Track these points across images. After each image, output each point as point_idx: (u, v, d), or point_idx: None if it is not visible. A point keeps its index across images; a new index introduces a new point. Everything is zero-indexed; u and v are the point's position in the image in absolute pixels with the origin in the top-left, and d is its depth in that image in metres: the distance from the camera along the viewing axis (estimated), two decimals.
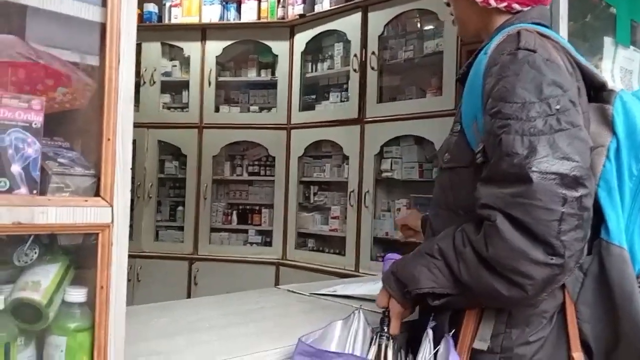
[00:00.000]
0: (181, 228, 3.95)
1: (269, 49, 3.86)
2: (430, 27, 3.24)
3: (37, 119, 0.83)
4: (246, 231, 3.95)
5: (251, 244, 3.92)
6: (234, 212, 3.99)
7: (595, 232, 0.96)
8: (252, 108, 3.97)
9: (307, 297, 1.59)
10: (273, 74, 3.93)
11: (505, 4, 1.09)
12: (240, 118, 3.92)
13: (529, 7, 1.09)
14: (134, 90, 0.90)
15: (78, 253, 0.92)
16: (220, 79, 3.98)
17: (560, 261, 0.85)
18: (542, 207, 0.85)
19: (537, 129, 0.88)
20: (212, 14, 3.88)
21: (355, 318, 1.06)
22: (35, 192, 0.82)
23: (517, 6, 1.09)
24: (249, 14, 3.87)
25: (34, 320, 0.83)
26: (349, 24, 3.44)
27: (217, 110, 3.94)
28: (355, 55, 3.39)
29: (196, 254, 3.87)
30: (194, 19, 3.90)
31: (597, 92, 1.06)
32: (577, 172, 0.87)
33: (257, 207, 3.98)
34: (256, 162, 3.98)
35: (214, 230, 3.95)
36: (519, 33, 0.98)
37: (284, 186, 3.82)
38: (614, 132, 0.98)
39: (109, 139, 0.86)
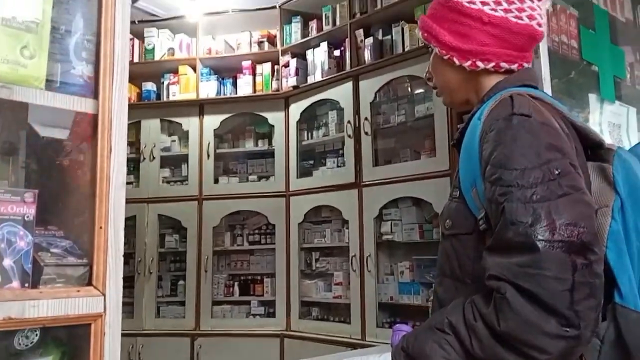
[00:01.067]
0: (182, 303, 3.88)
1: (265, 120, 3.96)
2: (420, 91, 3.34)
3: (30, 212, 0.84)
4: (249, 302, 3.88)
5: (254, 315, 3.84)
6: (236, 283, 3.94)
7: (608, 296, 0.92)
8: (250, 177, 4.02)
9: None
10: (270, 143, 4.01)
11: (493, 63, 1.07)
12: (239, 188, 3.95)
13: (515, 65, 1.07)
14: (125, 177, 0.91)
15: (70, 343, 0.90)
16: (219, 150, 4.05)
17: (576, 332, 0.82)
18: (552, 277, 0.82)
19: (540, 195, 0.87)
20: (208, 90, 4.01)
21: None
22: (27, 285, 0.82)
23: (505, 65, 1.07)
24: (244, 88, 3.99)
25: None
26: (341, 93, 3.54)
27: (216, 181, 3.98)
28: (348, 122, 3.47)
29: (198, 329, 3.78)
30: (191, 95, 4.02)
31: (594, 150, 1.04)
32: (585, 238, 0.84)
33: (259, 277, 3.93)
34: (256, 231, 3.97)
35: (215, 303, 3.88)
36: (511, 97, 0.97)
37: (285, 253, 3.79)
38: (616, 191, 0.96)
39: (101, 227, 0.87)
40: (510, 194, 0.88)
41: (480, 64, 1.07)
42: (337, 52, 3.67)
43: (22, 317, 0.78)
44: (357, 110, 3.44)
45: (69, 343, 0.90)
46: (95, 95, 0.91)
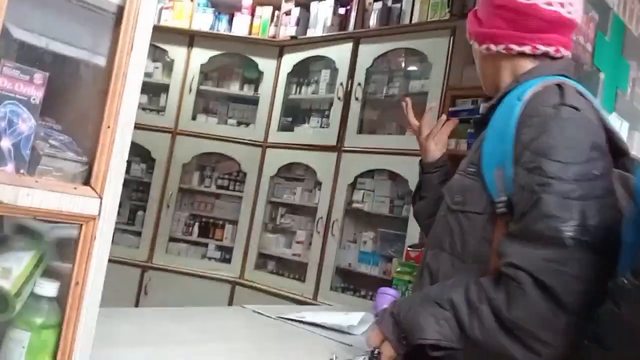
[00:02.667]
0: (139, 234, 3.81)
1: (255, 65, 3.85)
2: (418, 67, 3.30)
3: (37, 94, 0.78)
4: (206, 245, 3.84)
5: (209, 258, 3.81)
6: (197, 224, 3.88)
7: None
8: (230, 121, 3.92)
9: (273, 321, 1.53)
10: (256, 90, 3.91)
11: (502, 46, 1.07)
12: (217, 129, 3.85)
13: (526, 47, 1.05)
14: (141, 81, 0.85)
15: (52, 243, 0.85)
16: (202, 87, 3.92)
17: (582, 330, 0.83)
18: (574, 276, 0.83)
19: (578, 193, 0.86)
20: (202, 22, 3.85)
21: None
22: (22, 171, 0.76)
23: (515, 47, 1.06)
24: (240, 28, 3.85)
25: None
26: (339, 53, 3.47)
27: (194, 118, 3.87)
28: (341, 84, 3.41)
29: (150, 262, 3.73)
30: (183, 24, 3.85)
31: (618, 157, 1.02)
32: (611, 242, 0.85)
33: (220, 222, 3.89)
34: (226, 176, 3.90)
35: (172, 240, 3.83)
36: (559, 86, 0.96)
37: (251, 204, 3.75)
38: (635, 202, 0.92)
39: (109, 127, 0.82)
40: (549, 185, 0.87)
41: (492, 47, 1.08)
42: (342, 10, 3.57)
43: (14, 204, 0.72)
44: (351, 74, 3.38)
45: (50, 242, 0.85)
46: None
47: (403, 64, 3.43)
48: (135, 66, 0.84)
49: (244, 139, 3.80)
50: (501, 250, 0.90)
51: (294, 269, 3.57)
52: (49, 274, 0.83)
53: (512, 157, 0.94)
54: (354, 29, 3.40)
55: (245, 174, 3.80)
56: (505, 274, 0.88)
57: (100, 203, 0.81)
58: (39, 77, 0.77)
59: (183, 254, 3.81)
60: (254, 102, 3.89)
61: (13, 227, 0.83)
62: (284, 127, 3.77)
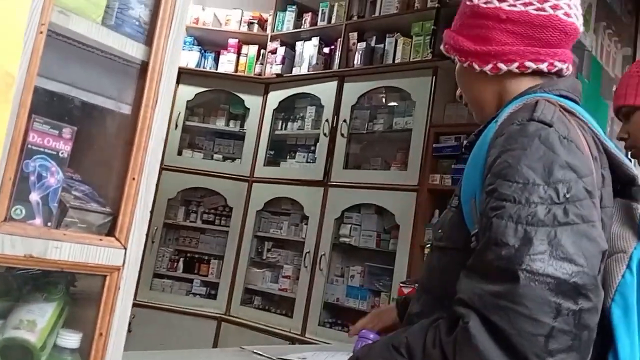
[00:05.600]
0: None
1: (241, 101, 3.90)
2: (402, 104, 3.40)
3: (65, 148, 0.79)
4: (191, 281, 3.80)
5: (194, 294, 3.77)
6: (182, 259, 3.85)
7: (600, 358, 0.79)
8: (215, 156, 3.94)
9: None
10: (242, 125, 3.95)
11: (516, 64, 0.93)
12: (203, 164, 3.86)
13: (544, 64, 0.93)
14: (165, 133, 0.88)
15: (75, 294, 0.86)
16: (188, 123, 3.95)
17: None
18: (527, 316, 0.69)
19: (537, 217, 0.73)
20: (189, 59, 3.90)
21: None
22: (49, 224, 0.77)
23: (531, 64, 0.92)
24: (226, 66, 3.91)
25: None
26: (325, 90, 3.55)
27: (180, 153, 3.88)
28: (327, 120, 3.48)
29: (134, 299, 3.65)
30: None
31: (624, 186, 0.91)
32: (579, 280, 0.71)
33: (206, 257, 3.86)
34: (212, 211, 3.90)
35: (157, 275, 3.78)
36: (536, 102, 0.85)
37: (237, 238, 3.74)
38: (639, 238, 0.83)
39: (133, 178, 0.83)
40: (502, 209, 0.75)
41: (502, 66, 0.93)
42: (326, 50, 3.67)
43: (44, 257, 0.73)
44: (337, 111, 3.46)
45: (73, 293, 0.86)
46: (148, 42, 0.87)
47: (386, 101, 3.53)
48: (160, 118, 0.86)
49: (230, 174, 3.82)
50: (457, 287, 0.79)
51: (281, 304, 3.55)
52: (71, 323, 0.83)
53: (480, 184, 0.84)
54: (339, 67, 3.50)
55: (231, 209, 3.80)
56: (454, 312, 0.76)
57: (125, 253, 0.82)
58: (68, 131, 0.79)
59: (167, 290, 3.76)
60: (240, 137, 3.92)
61: (35, 278, 0.84)
62: (270, 162, 3.80)
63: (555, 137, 0.79)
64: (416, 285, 1.26)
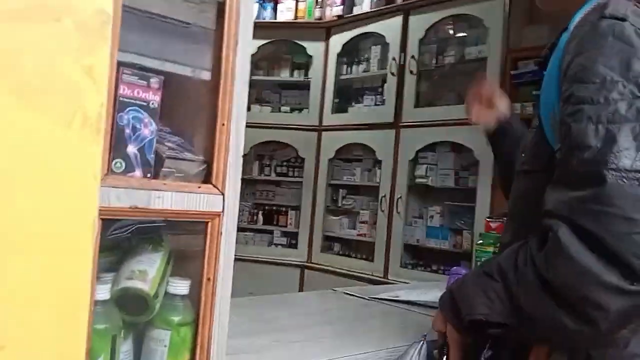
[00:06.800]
0: None
1: (303, 49, 3.82)
2: (473, 32, 3.19)
3: (155, 99, 0.79)
4: (271, 232, 3.90)
5: (276, 245, 3.87)
6: (260, 212, 3.94)
7: None
8: (283, 108, 3.93)
9: (366, 302, 1.54)
10: (306, 74, 3.90)
11: None
12: (271, 118, 3.87)
13: None
14: (249, 73, 0.85)
15: (178, 242, 0.87)
16: (253, 77, 3.94)
17: None
18: (620, 216, 0.66)
19: (619, 114, 0.70)
20: None
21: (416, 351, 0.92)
22: (149, 175, 0.77)
23: None
24: (285, 14, 3.84)
25: (138, 312, 0.79)
26: (389, 27, 3.40)
27: (248, 109, 3.86)
28: (393, 59, 3.35)
29: None
30: None
31: None
32: None
33: (283, 209, 3.93)
34: (285, 163, 3.93)
35: (239, 229, 3.86)
36: (607, 1, 0.80)
37: (312, 188, 3.77)
38: None
39: (223, 124, 0.82)
40: (580, 112, 0.72)
41: None
42: None
43: (148, 207, 0.74)
44: (403, 47, 3.31)
45: (176, 242, 0.87)
46: None
47: (454, 32, 3.33)
48: (241, 58, 0.83)
49: (299, 125, 3.81)
50: (544, 202, 0.75)
51: (361, 249, 3.57)
52: (177, 272, 0.85)
53: (557, 94, 0.79)
54: (402, 0, 3.32)
55: (303, 160, 3.82)
56: (544, 225, 0.73)
57: (223, 199, 0.82)
58: (155, 81, 0.78)
59: (250, 242, 3.88)
60: (305, 86, 3.88)
61: (139, 230, 0.86)
62: (337, 109, 3.75)
63: (631, 30, 0.75)
64: (504, 219, 1.22)
